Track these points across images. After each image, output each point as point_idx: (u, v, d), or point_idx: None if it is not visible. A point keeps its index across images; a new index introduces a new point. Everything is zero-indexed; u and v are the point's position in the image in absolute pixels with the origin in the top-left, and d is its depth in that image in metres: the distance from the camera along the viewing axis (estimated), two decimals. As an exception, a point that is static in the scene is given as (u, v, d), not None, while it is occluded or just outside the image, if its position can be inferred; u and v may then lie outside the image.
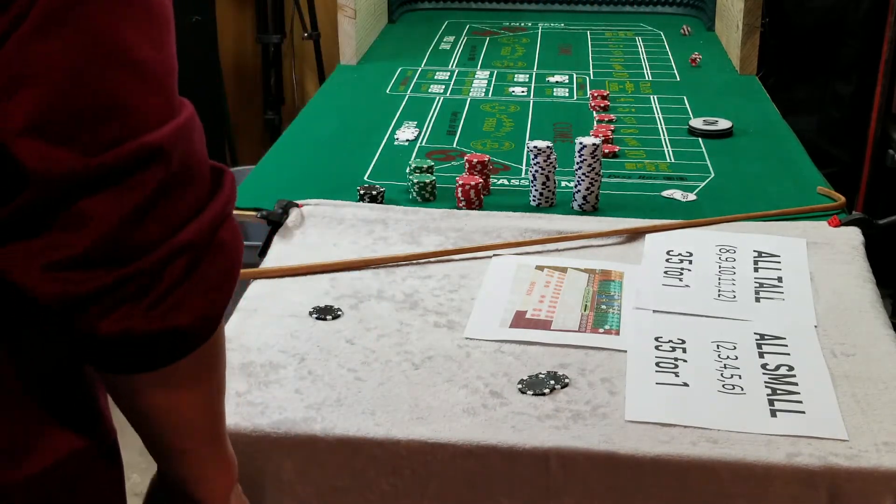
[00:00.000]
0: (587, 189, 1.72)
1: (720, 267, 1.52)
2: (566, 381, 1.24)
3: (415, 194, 1.76)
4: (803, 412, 1.18)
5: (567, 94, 2.37)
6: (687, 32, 2.83)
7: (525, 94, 2.38)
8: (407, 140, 2.06)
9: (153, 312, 0.76)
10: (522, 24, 3.03)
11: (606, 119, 2.17)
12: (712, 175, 1.88)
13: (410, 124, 2.15)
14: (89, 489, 0.88)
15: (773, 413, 1.18)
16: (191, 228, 0.76)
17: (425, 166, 1.80)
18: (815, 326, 1.36)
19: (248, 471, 1.16)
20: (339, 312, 1.40)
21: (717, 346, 1.31)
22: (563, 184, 1.80)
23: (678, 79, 2.49)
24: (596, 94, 2.31)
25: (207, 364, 0.84)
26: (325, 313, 1.39)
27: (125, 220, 0.73)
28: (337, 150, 2.02)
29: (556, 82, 2.46)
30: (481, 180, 1.74)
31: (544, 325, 1.37)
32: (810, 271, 1.50)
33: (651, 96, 2.34)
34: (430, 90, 2.40)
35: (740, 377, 1.25)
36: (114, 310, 0.74)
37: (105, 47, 0.73)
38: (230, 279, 0.80)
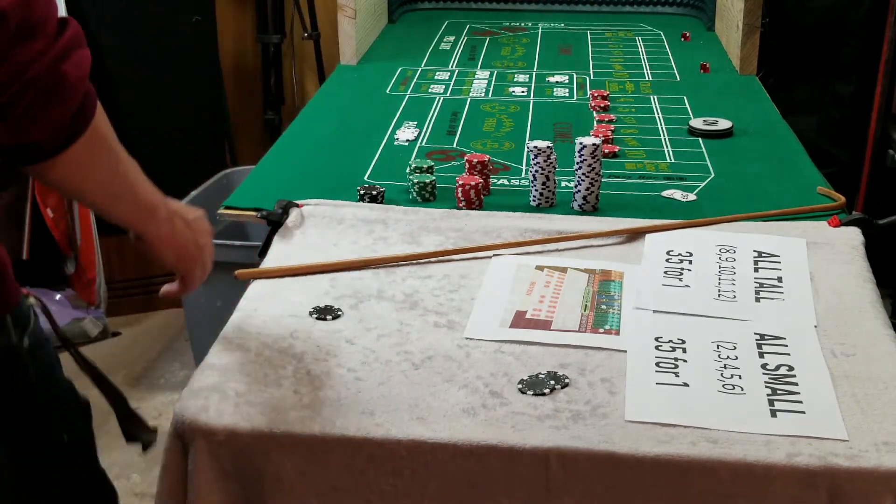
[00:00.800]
0: (587, 189, 1.72)
1: (720, 267, 1.52)
2: (566, 381, 1.24)
3: (415, 194, 1.76)
4: (803, 412, 1.18)
5: (567, 94, 2.37)
6: (687, 38, 2.83)
7: (525, 94, 2.38)
8: (407, 140, 2.06)
9: (14, 131, 1.05)
10: (522, 24, 3.03)
11: (606, 119, 2.17)
12: (712, 175, 1.88)
13: (410, 124, 2.15)
14: None
15: (773, 413, 1.18)
16: (35, 68, 1.02)
17: (425, 166, 1.80)
18: (815, 326, 1.36)
19: (248, 471, 1.16)
20: (339, 312, 1.40)
21: (717, 346, 1.31)
22: (563, 184, 1.80)
23: (678, 79, 2.49)
24: (596, 94, 2.31)
25: (86, 154, 1.12)
26: (325, 313, 1.39)
27: None
28: (337, 150, 2.02)
29: (556, 82, 2.46)
30: (481, 180, 1.74)
31: (544, 325, 1.37)
32: (810, 271, 1.50)
33: (651, 96, 2.34)
34: (430, 90, 2.40)
35: (740, 377, 1.25)
36: None
37: None
38: (73, 97, 1.07)
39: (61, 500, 1.44)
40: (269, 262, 1.54)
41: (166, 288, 1.36)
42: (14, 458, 1.35)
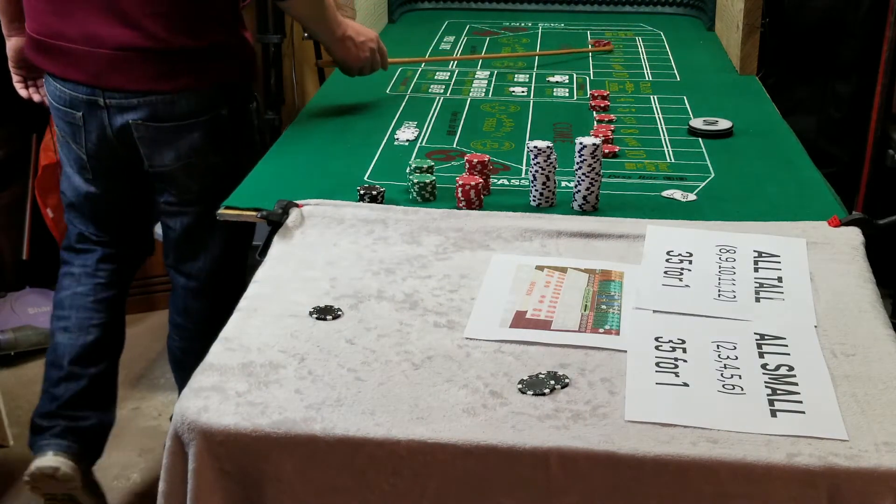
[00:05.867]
0: (587, 189, 1.72)
1: (720, 267, 1.52)
2: (566, 381, 1.24)
3: (415, 194, 1.76)
4: (803, 412, 1.18)
5: (567, 94, 2.37)
6: (605, 45, 2.77)
7: (525, 94, 2.38)
8: (407, 140, 2.06)
9: None
10: (522, 24, 3.03)
11: (606, 119, 2.17)
12: (712, 175, 1.88)
13: (410, 124, 2.15)
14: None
15: (773, 413, 1.18)
16: None
17: (425, 166, 1.80)
18: (815, 326, 1.36)
19: (249, 471, 1.16)
20: (339, 312, 1.40)
21: (717, 346, 1.31)
22: (563, 184, 1.80)
23: (678, 79, 2.49)
24: (596, 94, 2.31)
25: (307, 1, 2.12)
26: (325, 313, 1.39)
27: None
28: (337, 150, 2.02)
29: (556, 82, 2.46)
30: (481, 180, 1.74)
31: (544, 325, 1.37)
32: (810, 271, 1.50)
33: (651, 96, 2.34)
34: (430, 90, 2.40)
35: (740, 377, 1.25)
36: None
37: None
38: None
39: None
40: (269, 262, 1.54)
41: (321, 63, 2.48)
42: None
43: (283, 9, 2.19)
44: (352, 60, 2.22)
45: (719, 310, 1.41)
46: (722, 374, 1.25)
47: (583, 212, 1.72)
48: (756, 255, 1.55)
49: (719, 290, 1.46)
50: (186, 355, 2.27)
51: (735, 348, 1.31)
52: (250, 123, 2.16)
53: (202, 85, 2.02)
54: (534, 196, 1.74)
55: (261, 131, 2.25)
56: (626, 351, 1.31)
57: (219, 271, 2.22)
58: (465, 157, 1.82)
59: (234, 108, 2.10)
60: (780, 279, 1.48)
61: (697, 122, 2.11)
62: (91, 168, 2.14)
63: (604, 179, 1.77)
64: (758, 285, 1.47)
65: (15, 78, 2.28)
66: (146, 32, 1.96)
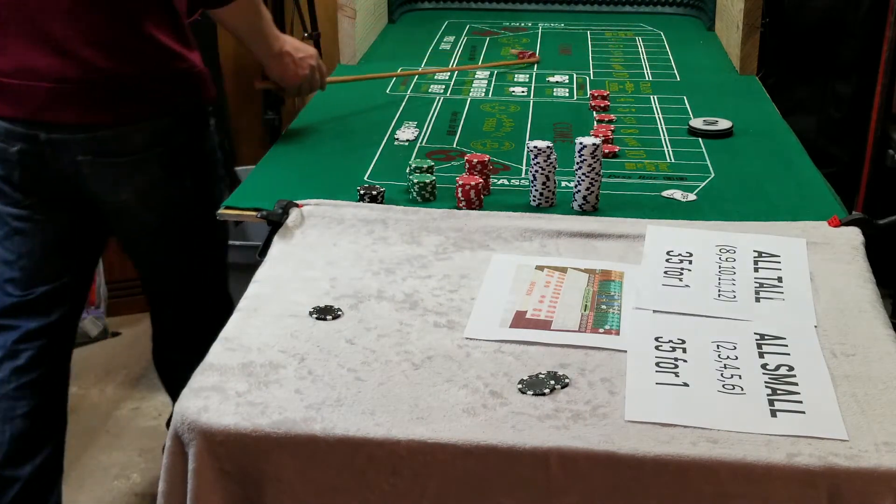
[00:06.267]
0: (587, 189, 1.72)
1: (720, 267, 1.52)
2: (566, 381, 1.24)
3: (415, 194, 1.76)
4: (803, 412, 1.18)
5: (567, 94, 2.37)
6: (531, 56, 2.66)
7: (525, 94, 2.38)
8: (407, 140, 2.06)
9: None
10: (522, 24, 3.03)
11: (606, 119, 2.17)
12: (712, 175, 1.88)
13: (410, 124, 2.15)
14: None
15: (773, 413, 1.18)
16: None
17: (425, 166, 1.80)
18: (815, 326, 1.36)
19: (249, 471, 1.16)
20: (339, 312, 1.40)
21: (717, 346, 1.31)
22: (563, 184, 1.80)
23: (678, 79, 2.49)
24: (596, 94, 2.31)
25: (245, 6, 1.95)
26: (325, 313, 1.39)
27: None
28: (337, 150, 2.02)
29: (556, 82, 2.46)
30: (481, 180, 1.74)
31: (544, 325, 1.37)
32: (810, 271, 1.50)
33: (651, 96, 2.34)
34: (430, 90, 2.40)
35: (740, 377, 1.25)
36: None
37: None
38: None
39: None
40: (269, 262, 1.54)
41: (260, 84, 2.22)
42: None
43: (216, 19, 2.04)
44: (290, 78, 2.09)
45: (719, 310, 1.41)
46: (722, 374, 1.25)
47: (583, 212, 1.72)
48: (756, 255, 1.55)
49: (719, 290, 1.46)
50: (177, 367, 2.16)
51: (735, 348, 1.31)
52: (210, 147, 2.02)
53: (154, 114, 1.87)
54: (534, 196, 1.74)
55: (222, 147, 2.10)
56: (626, 351, 1.31)
57: (197, 296, 2.11)
58: (465, 157, 1.82)
59: (192, 135, 1.96)
60: (780, 279, 1.48)
61: (697, 122, 2.11)
62: (26, 213, 1.93)
63: (604, 179, 1.77)
64: (758, 285, 1.47)
65: None
66: (86, 63, 1.81)
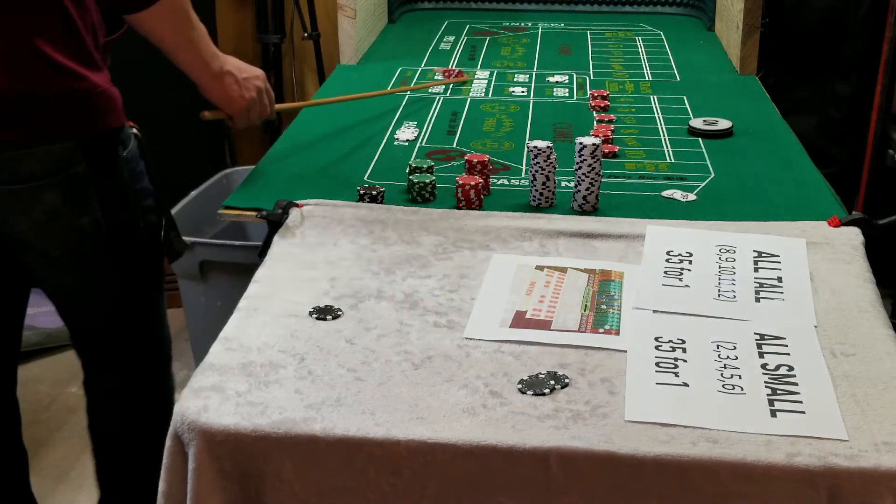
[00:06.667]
0: (587, 189, 1.72)
1: (720, 267, 1.52)
2: (566, 381, 1.24)
3: (414, 194, 1.76)
4: (803, 412, 1.18)
5: (567, 94, 2.37)
6: (455, 76, 2.44)
7: (525, 94, 2.38)
8: (407, 140, 2.06)
9: None
10: (522, 24, 3.03)
11: (606, 119, 2.17)
12: (712, 175, 1.88)
13: (410, 124, 2.15)
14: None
15: (773, 413, 1.18)
16: None
17: (425, 166, 1.80)
18: (815, 326, 1.36)
19: (249, 471, 1.16)
20: (339, 312, 1.40)
21: (717, 346, 1.31)
22: (563, 184, 1.80)
23: (678, 79, 2.49)
24: (596, 94, 2.31)
25: (166, 12, 1.72)
26: (325, 313, 1.39)
27: None
28: (337, 150, 2.02)
29: (556, 82, 2.46)
30: (481, 180, 1.74)
31: (544, 325, 1.37)
32: (810, 271, 1.50)
33: (651, 96, 2.34)
34: (430, 90, 2.40)
35: (740, 377, 1.25)
36: None
37: None
38: None
39: None
40: (269, 262, 1.54)
41: (208, 115, 1.89)
42: None
43: (141, 31, 1.75)
44: (234, 102, 1.83)
45: (719, 310, 1.41)
46: (722, 374, 1.25)
47: (583, 212, 1.72)
48: (756, 255, 1.55)
49: (719, 290, 1.46)
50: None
51: (735, 348, 1.31)
52: (124, 177, 1.73)
53: (48, 139, 1.62)
54: (534, 196, 1.74)
55: (151, 174, 1.81)
56: (625, 351, 1.31)
57: (122, 335, 1.86)
58: (465, 157, 1.82)
59: (97, 161, 1.68)
60: (780, 279, 1.48)
61: (697, 122, 2.11)
62: None
63: (604, 179, 1.77)
64: (758, 285, 1.47)
65: None
66: None
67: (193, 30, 1.76)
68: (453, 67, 2.52)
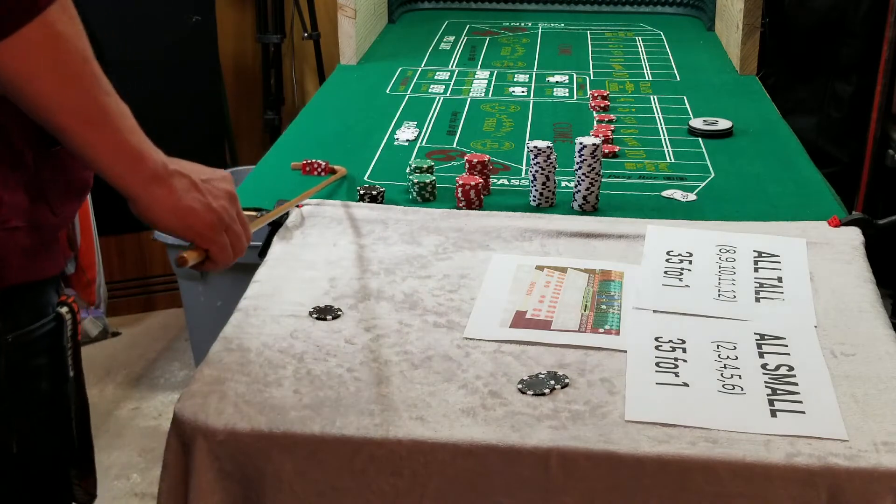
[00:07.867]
0: (587, 189, 1.72)
1: (720, 267, 1.52)
2: (566, 381, 1.24)
3: (415, 194, 1.76)
4: (803, 412, 1.18)
5: (567, 94, 2.37)
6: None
7: (525, 94, 2.38)
8: (407, 140, 2.06)
9: None
10: (522, 24, 3.03)
11: (606, 119, 2.17)
12: (712, 175, 1.88)
13: (410, 124, 2.15)
14: None
15: (773, 413, 1.18)
16: None
17: (425, 166, 1.80)
18: (815, 326, 1.36)
19: (249, 471, 1.16)
20: (338, 312, 1.40)
21: (717, 346, 1.31)
22: (563, 184, 1.80)
23: (678, 79, 2.49)
24: (596, 94, 2.31)
25: (40, 51, 0.97)
26: (324, 313, 1.39)
27: None
28: (337, 150, 2.02)
29: (556, 82, 2.46)
30: (481, 180, 1.74)
31: (544, 325, 1.37)
32: (810, 271, 1.50)
33: (651, 96, 2.34)
34: (430, 90, 2.40)
35: (740, 377, 1.25)
36: None
37: None
38: None
39: None
40: (270, 262, 1.54)
41: (187, 257, 1.14)
42: None
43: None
44: (198, 216, 1.14)
45: (719, 310, 1.41)
46: (722, 374, 1.25)
47: (583, 212, 1.72)
48: (756, 255, 1.55)
49: (719, 290, 1.46)
50: None
51: (735, 348, 1.31)
52: (40, 355, 1.17)
53: None
54: (534, 196, 1.74)
55: (75, 363, 1.23)
56: (625, 351, 1.31)
57: None
58: (465, 157, 1.82)
59: (11, 328, 1.13)
60: (780, 279, 1.48)
61: (697, 122, 2.11)
62: None
63: (604, 179, 1.77)
64: (758, 285, 1.47)
65: None
66: None
67: (106, 95, 1.05)
68: (320, 160, 1.89)
